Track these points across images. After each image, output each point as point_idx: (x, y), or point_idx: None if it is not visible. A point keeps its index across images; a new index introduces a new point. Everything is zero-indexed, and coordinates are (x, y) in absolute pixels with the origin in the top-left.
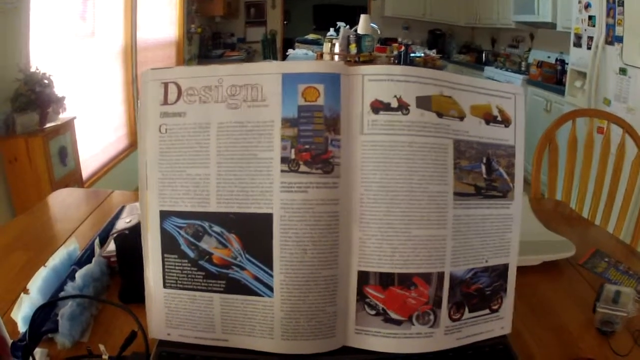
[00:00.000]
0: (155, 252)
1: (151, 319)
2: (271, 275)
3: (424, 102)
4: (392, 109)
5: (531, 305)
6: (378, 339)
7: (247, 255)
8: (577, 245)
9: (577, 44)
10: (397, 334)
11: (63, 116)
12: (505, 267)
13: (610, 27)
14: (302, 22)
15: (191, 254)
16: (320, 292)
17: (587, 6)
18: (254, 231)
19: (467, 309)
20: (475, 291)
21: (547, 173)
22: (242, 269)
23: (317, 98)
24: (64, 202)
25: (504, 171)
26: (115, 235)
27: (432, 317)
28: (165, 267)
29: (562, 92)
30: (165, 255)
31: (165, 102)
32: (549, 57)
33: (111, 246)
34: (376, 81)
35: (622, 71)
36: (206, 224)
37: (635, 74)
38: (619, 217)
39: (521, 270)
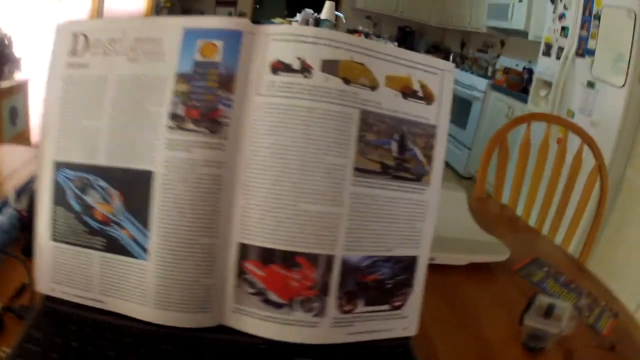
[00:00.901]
0: (46, 204)
1: (39, 272)
2: (147, 237)
3: (330, 67)
4: (293, 71)
5: (450, 309)
6: (256, 321)
7: (126, 214)
8: (517, 253)
9: (546, 53)
10: (277, 319)
11: (18, 78)
12: (413, 260)
13: (582, 40)
14: (274, 8)
15: (77, 208)
16: (196, 261)
17: (562, 16)
18: (135, 188)
19: (361, 302)
20: (373, 282)
21: (495, 175)
22: (121, 227)
23: (214, 54)
24: (8, 158)
25: (421, 152)
26: (29, 189)
27: (317, 304)
28: (54, 219)
29: (525, 100)
30: (56, 207)
31: (73, 53)
32: (517, 65)
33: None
34: (281, 41)
35: (590, 84)
36: (92, 178)
37: (603, 88)
38: (568, 229)
39: (445, 268)
